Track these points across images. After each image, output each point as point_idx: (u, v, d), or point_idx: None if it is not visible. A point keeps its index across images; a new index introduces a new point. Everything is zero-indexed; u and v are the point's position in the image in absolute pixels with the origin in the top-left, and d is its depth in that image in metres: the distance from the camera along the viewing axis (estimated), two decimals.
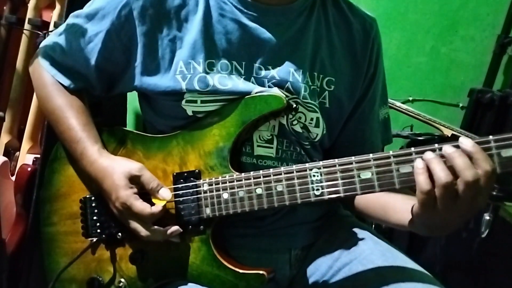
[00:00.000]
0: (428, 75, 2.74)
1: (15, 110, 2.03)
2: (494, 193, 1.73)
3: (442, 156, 0.93)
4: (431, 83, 2.74)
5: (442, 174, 0.91)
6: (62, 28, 1.29)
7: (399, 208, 1.13)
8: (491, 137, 0.91)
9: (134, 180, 1.14)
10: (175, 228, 1.13)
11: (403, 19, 2.69)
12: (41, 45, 1.33)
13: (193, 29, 1.18)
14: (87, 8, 1.25)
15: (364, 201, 1.28)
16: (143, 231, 1.12)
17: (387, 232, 2.07)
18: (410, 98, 2.68)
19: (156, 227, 1.13)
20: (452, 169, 0.91)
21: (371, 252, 1.24)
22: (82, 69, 1.26)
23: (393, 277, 1.15)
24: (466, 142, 0.92)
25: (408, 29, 2.69)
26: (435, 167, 0.92)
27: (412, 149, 0.97)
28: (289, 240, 1.29)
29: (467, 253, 1.87)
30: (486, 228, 1.74)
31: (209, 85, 1.16)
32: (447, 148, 0.93)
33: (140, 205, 1.11)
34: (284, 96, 1.15)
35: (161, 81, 1.18)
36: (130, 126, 2.21)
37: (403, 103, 2.42)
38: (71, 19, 1.27)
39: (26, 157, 1.93)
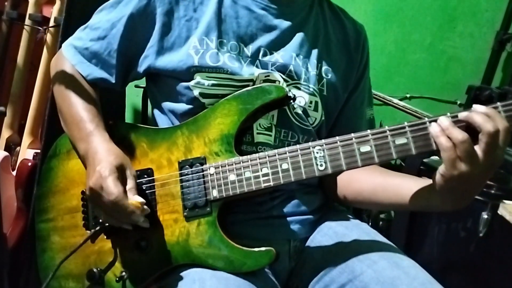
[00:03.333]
0: (426, 72, 2.71)
1: (16, 105, 2.03)
2: (493, 191, 1.74)
3: (455, 122, 1.03)
4: (429, 80, 2.72)
5: (458, 134, 1.00)
6: (86, 24, 1.37)
7: (414, 186, 1.19)
8: (498, 103, 1.04)
9: (122, 173, 1.17)
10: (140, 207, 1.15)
11: (401, 15, 2.65)
12: (67, 40, 1.40)
13: (208, 11, 1.28)
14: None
15: (369, 186, 1.30)
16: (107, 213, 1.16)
17: (384, 229, 2.09)
18: (408, 95, 2.65)
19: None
20: (469, 129, 1.01)
21: (367, 248, 1.26)
22: (104, 55, 1.32)
23: (389, 274, 1.17)
24: (480, 106, 1.03)
25: (406, 26, 2.67)
26: (451, 131, 1.01)
27: (405, 123, 1.07)
28: (288, 231, 1.31)
29: (465, 252, 1.86)
30: (484, 227, 1.74)
31: (219, 61, 1.25)
32: (462, 113, 1.03)
33: (113, 182, 1.13)
34: (285, 86, 1.25)
35: (175, 57, 1.27)
36: (128, 121, 2.22)
37: (400, 100, 2.43)
38: (94, 16, 1.37)
39: (26, 152, 1.93)
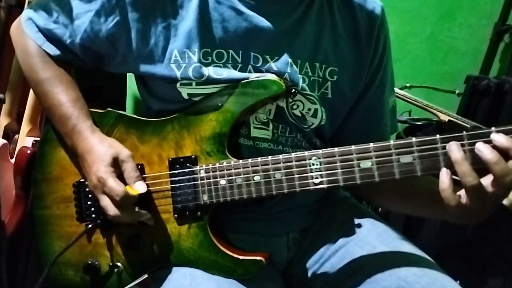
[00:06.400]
0: (425, 62, 2.75)
1: (14, 93, 2.01)
2: None
3: (469, 151, 0.92)
4: (428, 69, 2.76)
5: (468, 175, 0.91)
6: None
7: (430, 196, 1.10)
8: None
9: (117, 164, 1.13)
10: (143, 211, 1.13)
11: (402, 6, 2.68)
12: (25, 12, 1.29)
13: (188, 17, 1.15)
14: None
15: (407, 187, 1.20)
16: (111, 210, 1.10)
17: (383, 216, 2.09)
18: (408, 84, 2.67)
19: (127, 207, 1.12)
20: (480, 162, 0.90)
21: (367, 234, 1.26)
22: (67, 43, 1.23)
23: (389, 258, 1.17)
24: (499, 138, 0.89)
25: (406, 16, 2.69)
26: (460, 167, 0.91)
27: (413, 139, 0.96)
28: (286, 224, 1.29)
29: (461, 238, 1.87)
30: None
31: (203, 75, 1.15)
32: (478, 144, 0.90)
33: (114, 183, 1.09)
34: (283, 80, 1.14)
35: (155, 69, 1.17)
36: (129, 110, 2.21)
37: (401, 89, 2.43)
38: None
39: (25, 140, 1.92)
